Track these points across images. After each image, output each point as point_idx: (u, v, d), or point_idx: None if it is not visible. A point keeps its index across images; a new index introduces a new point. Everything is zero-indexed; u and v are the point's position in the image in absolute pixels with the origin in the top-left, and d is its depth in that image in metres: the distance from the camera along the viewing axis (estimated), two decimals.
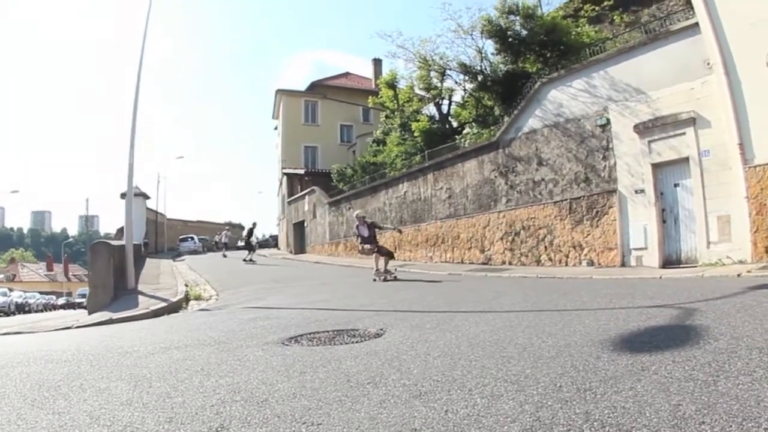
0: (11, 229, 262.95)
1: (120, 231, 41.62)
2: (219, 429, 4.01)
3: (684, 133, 17.10)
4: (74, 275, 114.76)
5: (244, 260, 37.00)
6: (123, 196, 35.75)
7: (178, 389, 5.34)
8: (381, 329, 8.16)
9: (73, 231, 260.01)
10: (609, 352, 5.47)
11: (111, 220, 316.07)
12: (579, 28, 27.99)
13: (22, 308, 50.46)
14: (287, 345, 7.56)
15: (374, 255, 20.10)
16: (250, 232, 42.97)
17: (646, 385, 4.19)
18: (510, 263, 23.37)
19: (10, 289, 58.08)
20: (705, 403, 3.67)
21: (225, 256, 42.76)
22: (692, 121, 16.81)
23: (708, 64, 16.28)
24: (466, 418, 3.78)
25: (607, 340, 6.06)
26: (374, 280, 19.41)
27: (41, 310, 55.84)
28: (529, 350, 5.83)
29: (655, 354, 5.18)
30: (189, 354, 7.36)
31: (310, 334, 8.34)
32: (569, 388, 4.30)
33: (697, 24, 16.57)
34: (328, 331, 8.43)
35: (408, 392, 4.60)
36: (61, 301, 72.82)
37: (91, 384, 5.79)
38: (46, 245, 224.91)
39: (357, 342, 7.34)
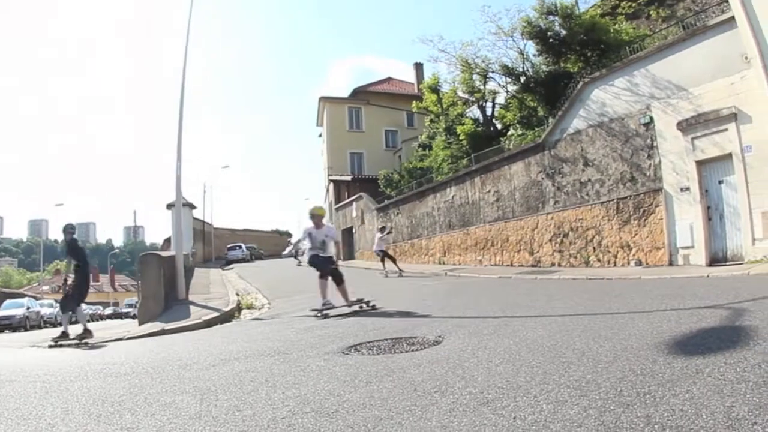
0: (55, 241, 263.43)
1: (167, 241, 41.98)
2: None
3: (726, 129, 16.99)
4: (120, 285, 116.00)
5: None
6: (169, 206, 36.16)
7: (246, 402, 5.43)
8: (439, 336, 8.20)
9: (118, 242, 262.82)
10: (664, 355, 5.56)
11: (156, 230, 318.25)
12: (617, 26, 27.97)
13: (69, 320, 50.44)
14: (348, 354, 7.64)
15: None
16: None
17: (701, 388, 4.30)
18: (559, 265, 23.38)
19: (56, 300, 58.57)
20: (757, 404, 3.78)
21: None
22: (734, 117, 16.70)
23: (746, 58, 16.21)
24: (534, 424, 3.91)
25: (662, 342, 6.15)
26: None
27: (88, 321, 56.16)
28: (587, 355, 5.93)
29: (707, 356, 5.27)
30: (251, 365, 7.47)
31: (369, 342, 8.40)
32: (629, 392, 4.42)
33: (733, 18, 16.48)
34: (386, 339, 8.48)
35: (475, 400, 4.70)
36: (108, 311, 73.56)
37: (156, 398, 5.89)
38: (91, 256, 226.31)
39: (417, 350, 7.40)
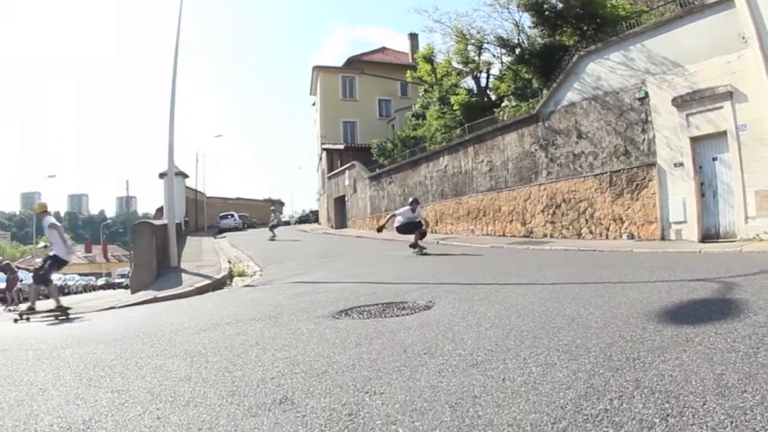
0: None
1: (159, 210, 41.70)
2: (282, 400, 4.15)
3: (721, 107, 16.94)
4: (113, 256, 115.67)
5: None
6: (162, 175, 35.93)
7: (235, 363, 5.48)
8: (430, 301, 8.28)
9: (110, 213, 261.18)
10: (654, 323, 5.60)
11: (149, 201, 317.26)
12: (614, 1, 27.61)
13: (61, 290, 49.88)
14: (338, 318, 7.71)
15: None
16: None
17: (691, 355, 4.34)
18: (551, 236, 23.41)
19: None
20: (746, 373, 3.82)
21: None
22: (729, 95, 16.66)
23: (743, 38, 16.15)
24: (523, 386, 3.96)
25: (652, 312, 6.18)
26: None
27: (81, 292, 56.04)
28: (577, 321, 5.98)
29: (698, 326, 5.32)
30: (241, 329, 7.50)
31: (359, 307, 8.47)
32: (619, 357, 4.47)
33: None
34: (377, 304, 8.55)
35: (464, 362, 4.75)
36: (101, 281, 73.21)
37: (147, 361, 5.94)
38: (83, 228, 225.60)
39: (408, 314, 7.46)
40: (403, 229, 20.90)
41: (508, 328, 5.96)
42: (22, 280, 37.34)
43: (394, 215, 21.80)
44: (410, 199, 22.15)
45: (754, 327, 5.09)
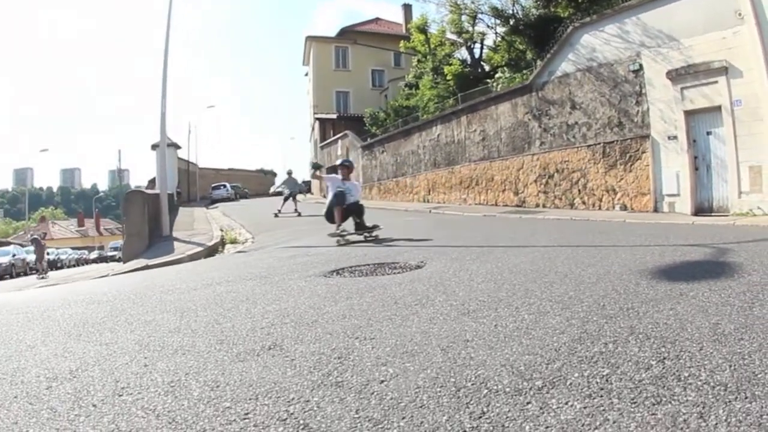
0: (40, 188, 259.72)
1: (151, 182, 41.62)
2: (272, 346, 4.17)
3: (716, 82, 16.96)
4: (106, 229, 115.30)
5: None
6: (154, 147, 35.78)
7: (225, 316, 5.48)
8: (421, 261, 8.31)
9: (103, 186, 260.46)
10: (648, 279, 5.63)
11: (141, 174, 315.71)
12: None
13: (54, 265, 50.68)
14: (329, 277, 7.71)
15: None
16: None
17: (686, 307, 4.37)
18: (544, 206, 23.43)
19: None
20: (742, 323, 3.84)
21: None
22: (724, 70, 16.67)
23: (739, 14, 16.16)
24: (516, 331, 3.97)
25: (645, 270, 6.21)
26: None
27: (74, 266, 56.42)
28: (570, 277, 6.00)
29: (692, 283, 5.35)
30: (232, 288, 7.48)
31: (351, 267, 8.48)
32: (612, 307, 4.49)
33: None
34: (368, 265, 8.58)
35: (456, 311, 4.77)
36: (94, 255, 73.29)
37: (137, 318, 5.89)
38: (76, 202, 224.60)
39: (399, 273, 7.49)
40: (330, 214, 14.36)
41: (500, 282, 5.99)
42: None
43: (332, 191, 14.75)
44: (338, 161, 15.94)
45: (749, 285, 5.12)
